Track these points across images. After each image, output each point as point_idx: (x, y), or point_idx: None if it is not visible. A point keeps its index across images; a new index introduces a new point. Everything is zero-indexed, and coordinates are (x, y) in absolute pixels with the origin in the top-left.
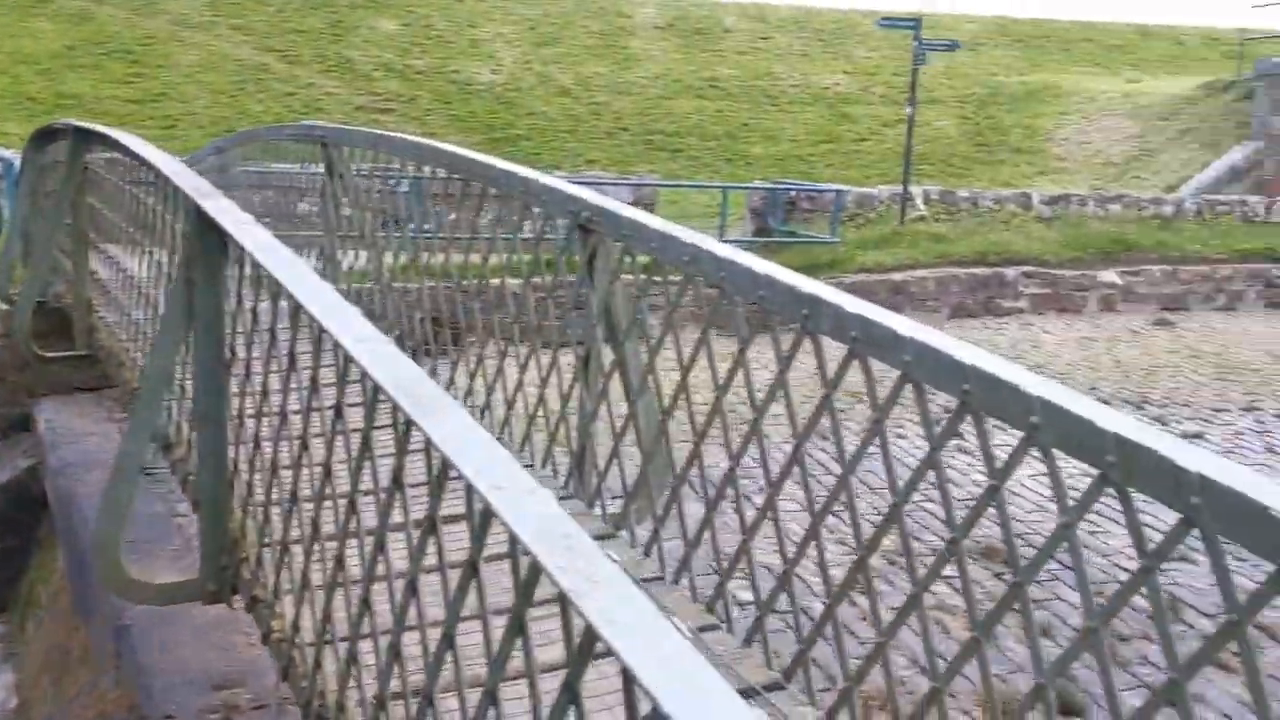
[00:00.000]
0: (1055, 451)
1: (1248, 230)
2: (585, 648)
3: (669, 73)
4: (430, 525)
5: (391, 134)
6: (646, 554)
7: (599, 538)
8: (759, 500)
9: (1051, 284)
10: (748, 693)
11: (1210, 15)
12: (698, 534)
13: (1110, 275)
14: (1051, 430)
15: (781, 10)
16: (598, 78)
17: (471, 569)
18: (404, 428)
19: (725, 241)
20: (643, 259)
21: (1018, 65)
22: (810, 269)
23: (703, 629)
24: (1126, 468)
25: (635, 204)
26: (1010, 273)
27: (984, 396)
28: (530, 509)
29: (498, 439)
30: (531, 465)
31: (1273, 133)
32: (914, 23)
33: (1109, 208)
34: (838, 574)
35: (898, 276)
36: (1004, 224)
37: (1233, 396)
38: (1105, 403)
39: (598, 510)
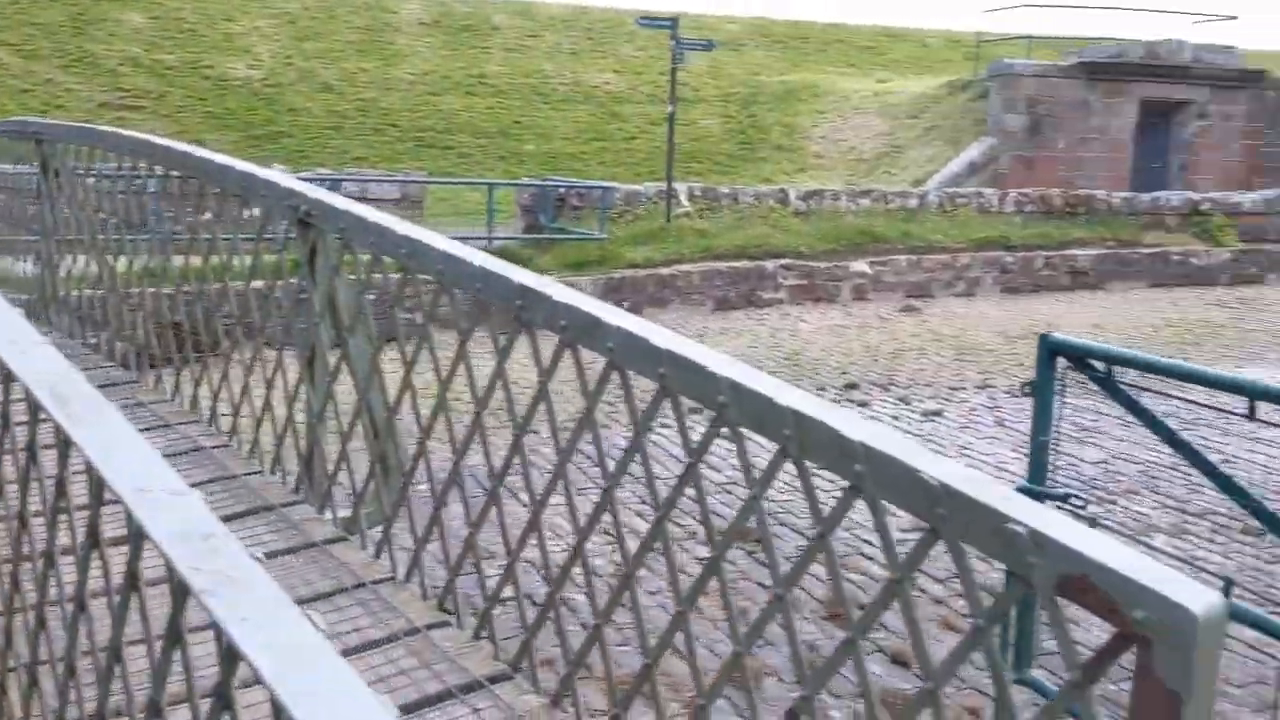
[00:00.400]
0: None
1: (983, 220)
2: (230, 652)
3: (436, 70)
4: (93, 539)
5: (107, 129)
6: (377, 555)
7: (329, 541)
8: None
9: (808, 275)
10: (471, 686)
11: (949, 19)
12: (426, 530)
13: (861, 265)
14: (738, 409)
15: (550, 8)
16: (363, 74)
17: (131, 580)
18: (65, 438)
19: (495, 239)
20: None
21: (778, 65)
22: (580, 265)
23: (432, 626)
24: (802, 441)
25: (402, 201)
26: (770, 265)
27: (679, 379)
28: (172, 511)
29: (226, 446)
30: (260, 471)
31: (1005, 129)
32: (671, 22)
33: (860, 202)
34: (565, 561)
35: (665, 271)
36: (763, 219)
37: (969, 375)
38: (853, 385)
39: (329, 514)
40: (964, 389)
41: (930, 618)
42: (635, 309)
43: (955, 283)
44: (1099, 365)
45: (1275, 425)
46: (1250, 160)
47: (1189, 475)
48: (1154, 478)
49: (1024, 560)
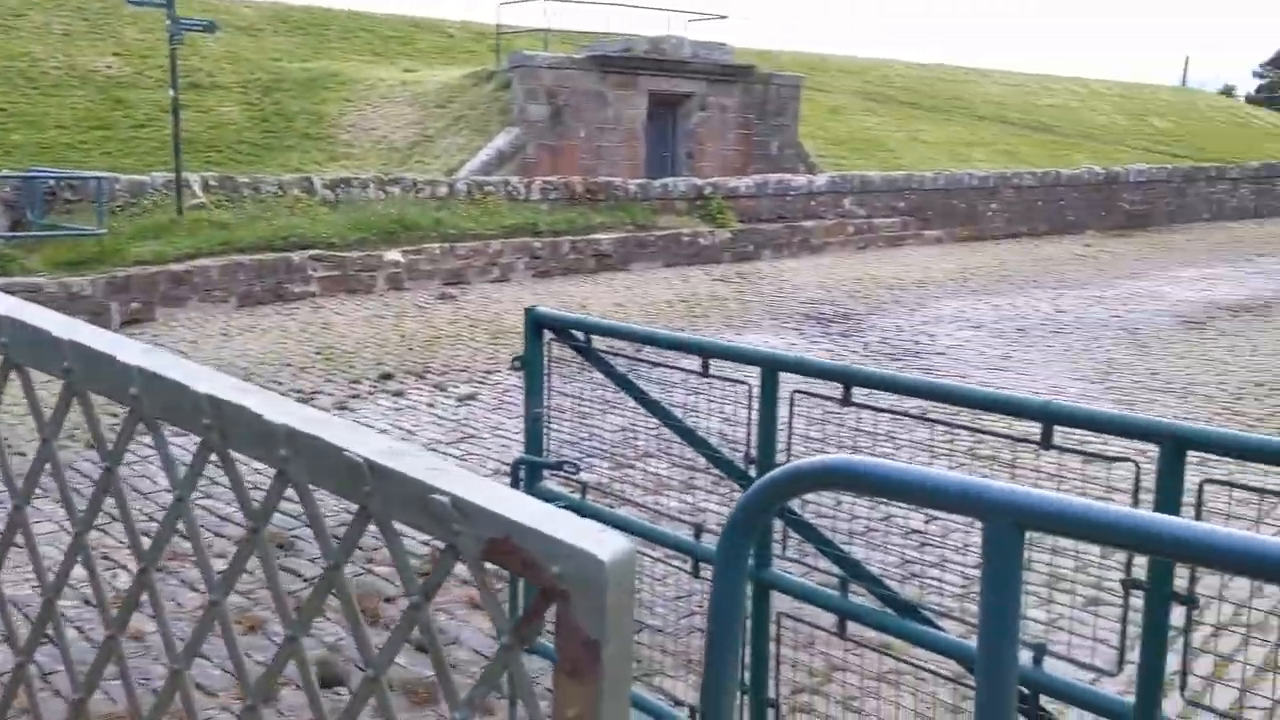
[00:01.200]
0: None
1: (512, 208)
2: None
3: None
4: None
5: None
6: None
7: None
8: None
9: (339, 266)
10: None
11: (470, 10)
12: None
13: (394, 255)
14: (150, 400)
15: None
16: None
17: None
18: None
19: None
20: None
21: (300, 52)
22: (76, 264)
23: None
24: (223, 429)
25: None
26: (297, 257)
27: (87, 373)
28: None
29: None
30: None
31: (529, 119)
32: (165, 1)
33: (389, 190)
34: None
35: (178, 267)
36: (289, 209)
37: (502, 358)
38: (389, 375)
39: None
40: (498, 371)
41: (459, 600)
42: (146, 309)
43: (490, 269)
44: (579, 335)
45: (728, 380)
46: (745, 148)
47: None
48: (667, 440)
49: (450, 529)
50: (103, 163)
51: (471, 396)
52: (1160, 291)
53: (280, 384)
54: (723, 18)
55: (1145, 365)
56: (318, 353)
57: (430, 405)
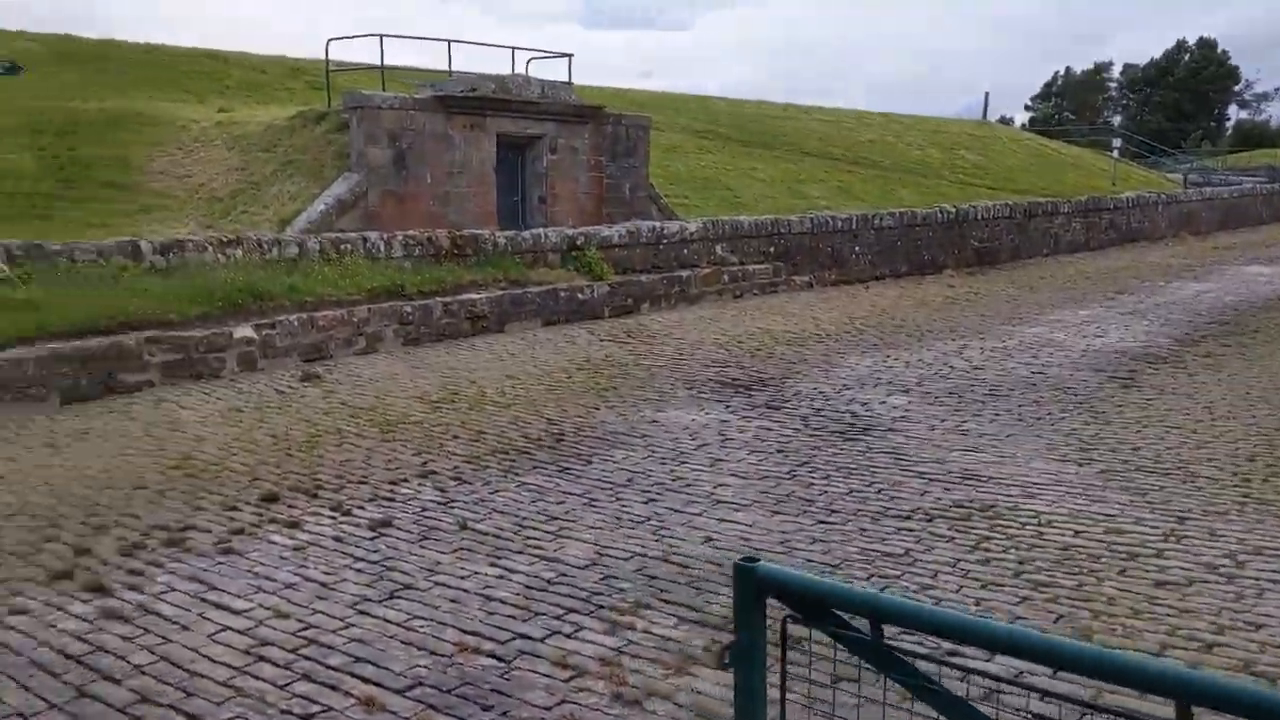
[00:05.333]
0: None
1: (373, 267)
2: None
3: None
4: None
5: None
6: None
7: None
8: None
9: (181, 348)
10: None
11: (279, 45)
12: None
13: (246, 330)
14: None
15: None
16: None
17: None
18: None
19: None
20: None
21: (93, 90)
22: None
23: None
24: None
25: None
26: (131, 341)
27: None
28: None
29: None
30: None
31: (370, 164)
32: None
33: (230, 252)
34: None
35: None
36: (114, 280)
37: (404, 459)
38: (273, 497)
39: None
40: (405, 481)
41: None
42: None
43: (355, 339)
44: (845, 615)
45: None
46: (598, 191)
47: None
48: None
49: None
50: None
51: (386, 523)
52: (1056, 340)
53: (137, 518)
54: (568, 55)
55: (1114, 437)
56: (175, 466)
57: (338, 540)
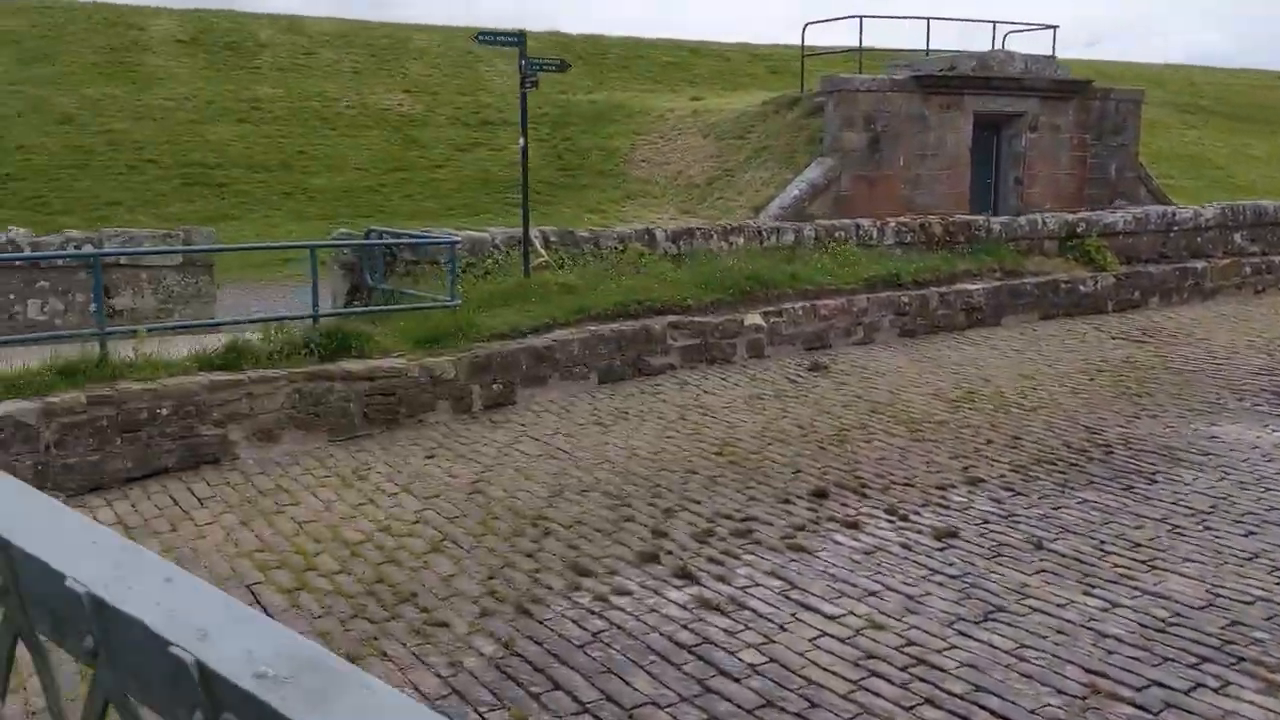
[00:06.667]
0: None
1: (868, 256)
2: None
3: (199, 94)
4: None
5: None
6: None
7: None
8: None
9: (699, 334)
10: None
11: (741, 33)
12: None
13: (755, 318)
14: None
15: (322, 24)
16: (110, 101)
17: None
18: None
19: (322, 315)
20: None
21: (582, 84)
22: (433, 341)
23: None
24: None
25: (186, 265)
26: (657, 325)
27: None
28: None
29: None
30: None
31: (845, 148)
32: (517, 38)
33: (732, 240)
34: None
35: (539, 342)
36: (632, 266)
37: (943, 463)
38: (822, 493)
39: None
40: (953, 487)
41: None
42: (507, 391)
43: (854, 329)
44: None
45: None
46: (1079, 172)
47: None
48: None
49: None
50: (405, 207)
51: (951, 533)
52: None
53: (698, 503)
54: (1051, 27)
55: None
56: (718, 453)
57: (905, 548)
